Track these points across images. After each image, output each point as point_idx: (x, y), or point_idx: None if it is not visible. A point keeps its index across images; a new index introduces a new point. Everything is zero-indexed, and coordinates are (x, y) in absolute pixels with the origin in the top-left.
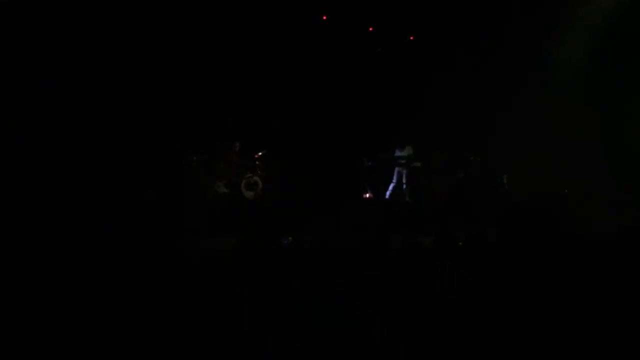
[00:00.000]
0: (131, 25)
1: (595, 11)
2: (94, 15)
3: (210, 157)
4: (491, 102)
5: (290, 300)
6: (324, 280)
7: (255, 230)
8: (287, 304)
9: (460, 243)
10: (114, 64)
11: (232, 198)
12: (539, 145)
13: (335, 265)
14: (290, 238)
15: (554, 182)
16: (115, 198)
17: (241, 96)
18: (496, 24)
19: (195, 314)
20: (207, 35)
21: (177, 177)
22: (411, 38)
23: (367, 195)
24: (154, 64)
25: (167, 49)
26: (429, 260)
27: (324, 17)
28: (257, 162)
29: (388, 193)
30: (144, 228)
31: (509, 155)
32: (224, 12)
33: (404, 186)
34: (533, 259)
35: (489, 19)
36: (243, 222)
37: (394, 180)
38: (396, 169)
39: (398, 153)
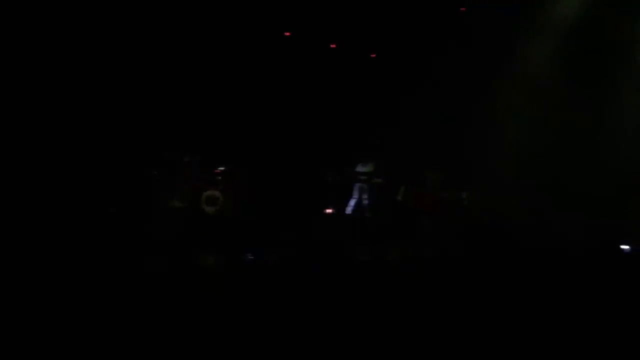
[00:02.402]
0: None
1: (559, 21)
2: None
3: (167, 171)
4: (452, 118)
5: (253, 317)
6: (287, 296)
7: (216, 246)
8: (250, 320)
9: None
10: (71, 78)
11: (192, 213)
12: (500, 160)
13: (298, 280)
14: (250, 255)
15: (513, 198)
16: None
17: (201, 110)
18: (458, 41)
19: (157, 330)
20: (168, 50)
21: (139, 191)
22: (372, 55)
23: (329, 210)
24: (114, 77)
25: (125, 63)
26: (393, 275)
27: (287, 34)
28: (218, 177)
29: (349, 209)
30: (105, 244)
31: (469, 170)
32: (184, 27)
33: (365, 202)
34: (494, 274)
35: (450, 36)
36: (204, 238)
37: (355, 196)
38: (357, 185)
39: (360, 169)
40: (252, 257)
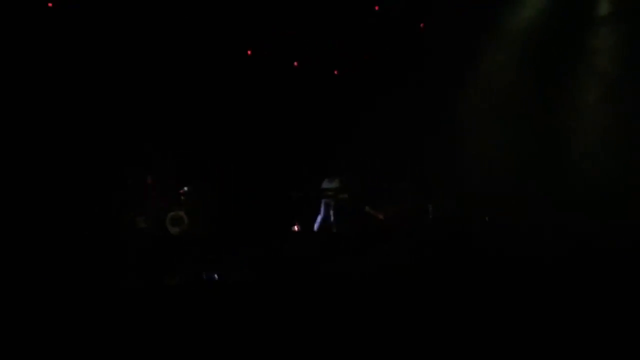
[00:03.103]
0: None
1: (521, 27)
2: None
3: (128, 191)
4: (416, 131)
5: (218, 337)
6: (252, 315)
7: (181, 267)
8: (216, 340)
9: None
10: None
11: (157, 234)
12: (465, 172)
13: (263, 298)
14: (215, 275)
15: (478, 209)
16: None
17: (164, 130)
18: (419, 54)
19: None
20: (130, 69)
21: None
22: (335, 72)
23: (295, 227)
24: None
25: (86, 85)
26: (360, 291)
27: (249, 52)
28: (182, 198)
29: (316, 225)
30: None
31: (434, 183)
32: (147, 43)
33: (332, 218)
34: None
35: (412, 50)
36: (170, 259)
37: (322, 212)
38: (323, 201)
39: (326, 185)
40: (215, 276)
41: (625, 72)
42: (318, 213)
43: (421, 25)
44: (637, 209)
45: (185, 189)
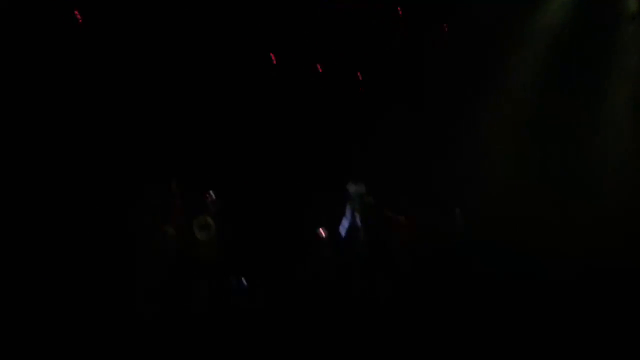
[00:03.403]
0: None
1: (542, 32)
2: None
3: (152, 200)
4: (437, 137)
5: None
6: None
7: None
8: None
9: None
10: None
11: (185, 241)
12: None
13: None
14: (243, 281)
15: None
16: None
17: (185, 134)
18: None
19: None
20: (141, 77)
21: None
22: (359, 75)
23: (322, 233)
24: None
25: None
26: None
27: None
28: (207, 202)
29: (343, 231)
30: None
31: (460, 189)
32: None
33: (359, 223)
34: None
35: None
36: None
37: (348, 217)
38: (349, 206)
39: (352, 188)
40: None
41: None
42: (345, 217)
43: (444, 26)
44: None
45: (211, 192)
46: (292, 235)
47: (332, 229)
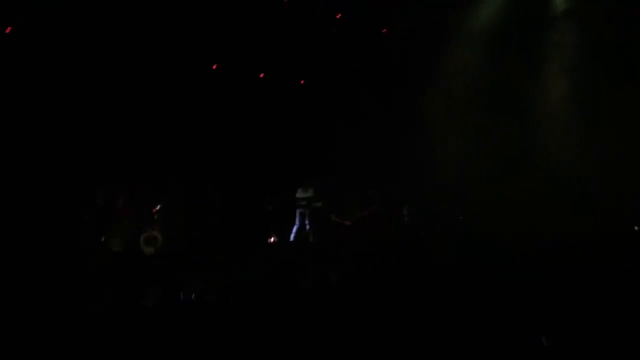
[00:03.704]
0: None
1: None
2: None
3: (98, 213)
4: (387, 136)
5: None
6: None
7: (157, 287)
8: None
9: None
10: None
11: (130, 255)
12: (439, 172)
13: (241, 316)
14: (193, 295)
15: (453, 208)
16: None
17: (134, 148)
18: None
19: None
20: (92, 88)
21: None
22: (302, 82)
23: (272, 239)
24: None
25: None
26: (337, 298)
27: (214, 67)
28: (155, 216)
29: (292, 235)
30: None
31: (407, 186)
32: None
33: (307, 227)
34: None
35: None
36: (145, 280)
37: (297, 222)
38: (298, 211)
39: (300, 194)
40: (193, 296)
41: (587, 65)
42: (294, 223)
43: (383, 31)
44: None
45: (158, 207)
46: (243, 239)
47: (282, 233)
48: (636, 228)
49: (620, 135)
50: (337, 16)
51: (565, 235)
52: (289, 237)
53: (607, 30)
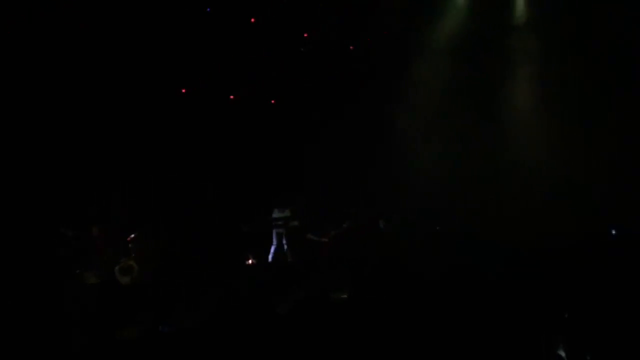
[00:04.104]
0: None
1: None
2: None
3: (73, 245)
4: (359, 152)
5: None
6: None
7: (135, 319)
8: None
9: None
10: None
11: (106, 287)
12: (413, 183)
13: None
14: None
15: (430, 220)
16: None
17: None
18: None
19: None
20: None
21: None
22: (272, 102)
23: (250, 261)
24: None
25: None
26: (317, 320)
27: (183, 90)
28: (130, 245)
29: (270, 256)
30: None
31: (382, 199)
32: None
33: (285, 247)
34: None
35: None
36: (122, 311)
37: (274, 243)
38: (275, 231)
39: (277, 214)
40: (169, 327)
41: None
42: (272, 244)
43: (350, 47)
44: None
45: (133, 236)
46: (220, 266)
47: (260, 253)
48: (613, 232)
49: (591, 139)
50: (304, 35)
51: (541, 240)
52: (267, 258)
53: (568, 36)
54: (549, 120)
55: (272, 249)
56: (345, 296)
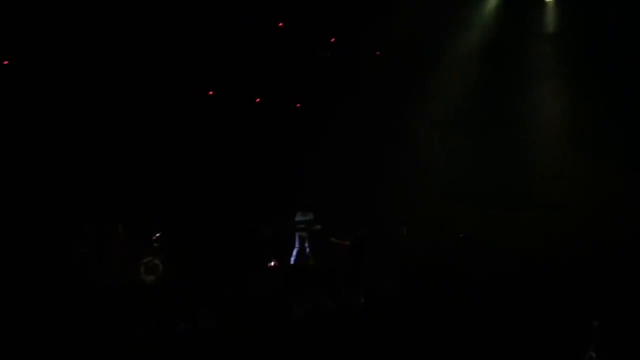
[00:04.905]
0: None
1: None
2: None
3: (97, 246)
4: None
5: None
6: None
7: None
8: None
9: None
10: None
11: (131, 285)
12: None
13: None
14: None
15: (451, 227)
16: None
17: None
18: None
19: None
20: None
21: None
22: (298, 105)
23: (272, 263)
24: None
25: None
26: (333, 324)
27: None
28: (155, 244)
29: (292, 259)
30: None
31: (405, 206)
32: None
33: (307, 250)
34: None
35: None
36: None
37: (297, 246)
38: (297, 234)
39: (299, 218)
40: (187, 326)
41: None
42: (294, 247)
43: (377, 53)
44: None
45: (158, 235)
46: (244, 268)
47: (282, 256)
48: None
49: (619, 147)
50: (332, 40)
51: (567, 246)
52: (289, 261)
53: (595, 44)
54: (575, 128)
55: (294, 252)
56: (363, 301)
